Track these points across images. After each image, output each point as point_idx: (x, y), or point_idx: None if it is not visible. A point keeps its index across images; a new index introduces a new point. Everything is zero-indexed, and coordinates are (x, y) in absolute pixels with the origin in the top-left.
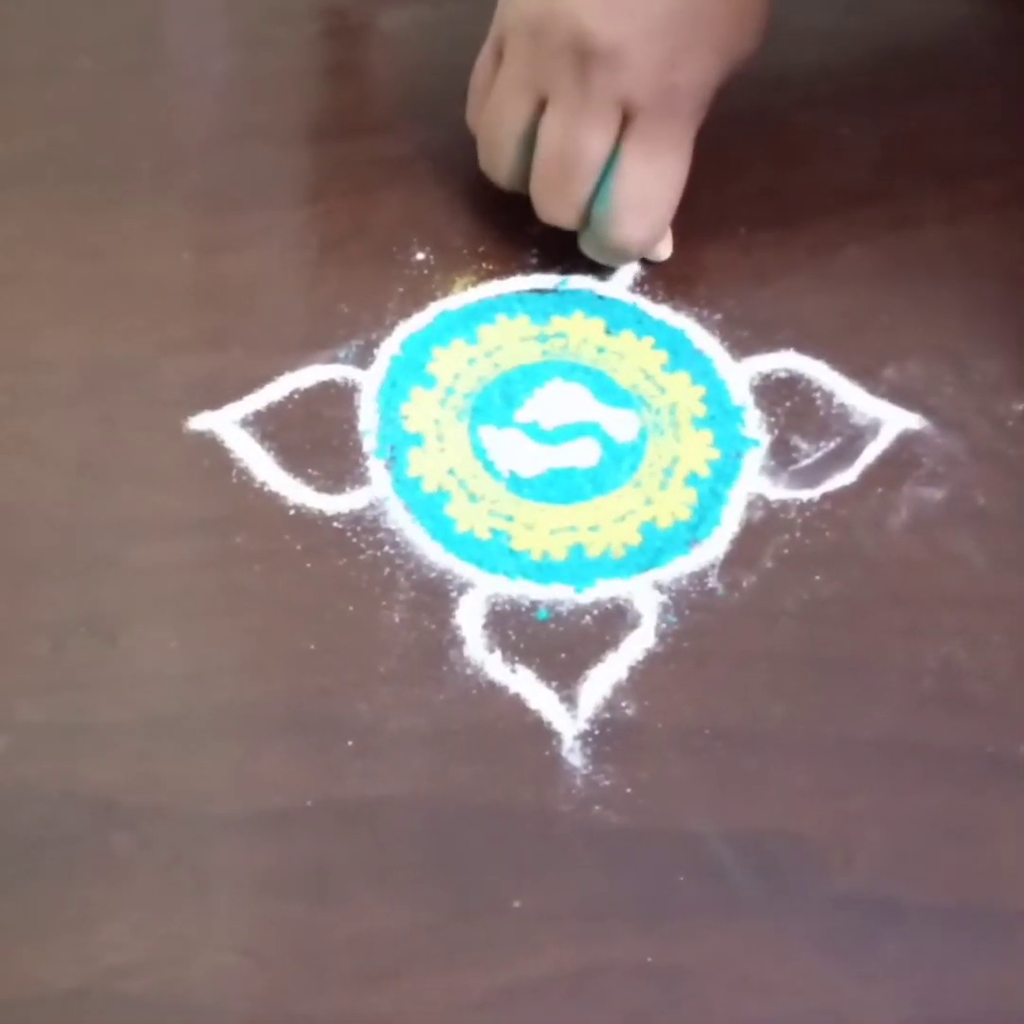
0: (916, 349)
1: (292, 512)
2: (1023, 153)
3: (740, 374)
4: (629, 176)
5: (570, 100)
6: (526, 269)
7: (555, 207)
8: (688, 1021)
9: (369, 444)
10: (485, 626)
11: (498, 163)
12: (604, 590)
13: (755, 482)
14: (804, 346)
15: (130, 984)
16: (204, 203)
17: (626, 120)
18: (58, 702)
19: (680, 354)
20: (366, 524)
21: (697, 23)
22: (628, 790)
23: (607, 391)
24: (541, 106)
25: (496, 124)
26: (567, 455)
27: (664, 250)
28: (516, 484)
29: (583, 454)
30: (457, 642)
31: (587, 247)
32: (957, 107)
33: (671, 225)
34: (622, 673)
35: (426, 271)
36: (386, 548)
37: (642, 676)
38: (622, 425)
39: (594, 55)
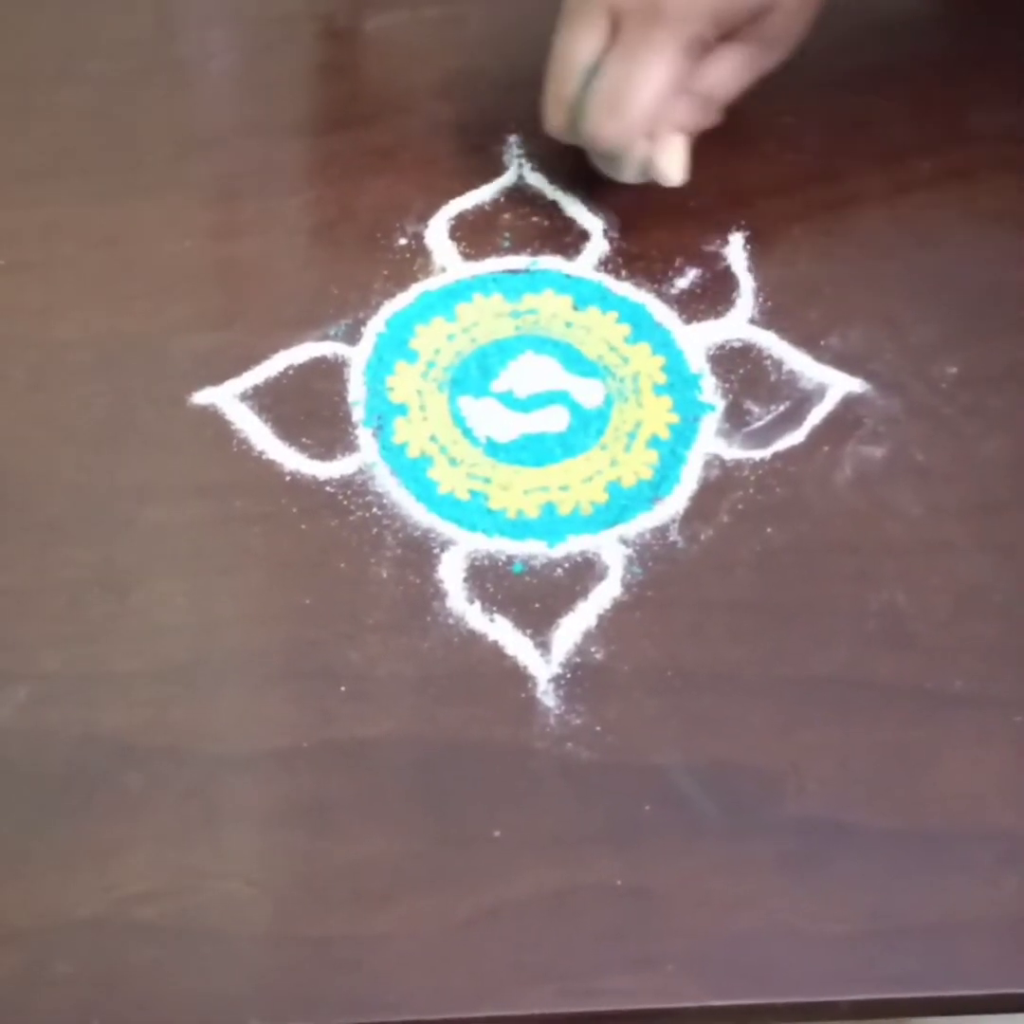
0: (857, 318)
1: (288, 478)
2: (958, 134)
3: (697, 344)
4: (604, 74)
5: (568, 8)
6: (499, 252)
7: (550, 110)
8: (655, 936)
9: (358, 414)
10: (465, 580)
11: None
12: (574, 545)
13: (711, 443)
14: (755, 318)
15: (145, 911)
16: (208, 193)
17: (615, 28)
18: (75, 653)
19: (641, 327)
20: (356, 488)
21: None
22: (597, 727)
23: (575, 362)
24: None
25: None
26: (539, 421)
27: (672, 171)
28: (493, 449)
29: (554, 420)
30: (440, 595)
31: (591, 158)
32: (896, 93)
33: (688, 153)
34: (591, 621)
35: (408, 255)
36: (374, 510)
37: (610, 623)
38: (589, 393)
39: None
